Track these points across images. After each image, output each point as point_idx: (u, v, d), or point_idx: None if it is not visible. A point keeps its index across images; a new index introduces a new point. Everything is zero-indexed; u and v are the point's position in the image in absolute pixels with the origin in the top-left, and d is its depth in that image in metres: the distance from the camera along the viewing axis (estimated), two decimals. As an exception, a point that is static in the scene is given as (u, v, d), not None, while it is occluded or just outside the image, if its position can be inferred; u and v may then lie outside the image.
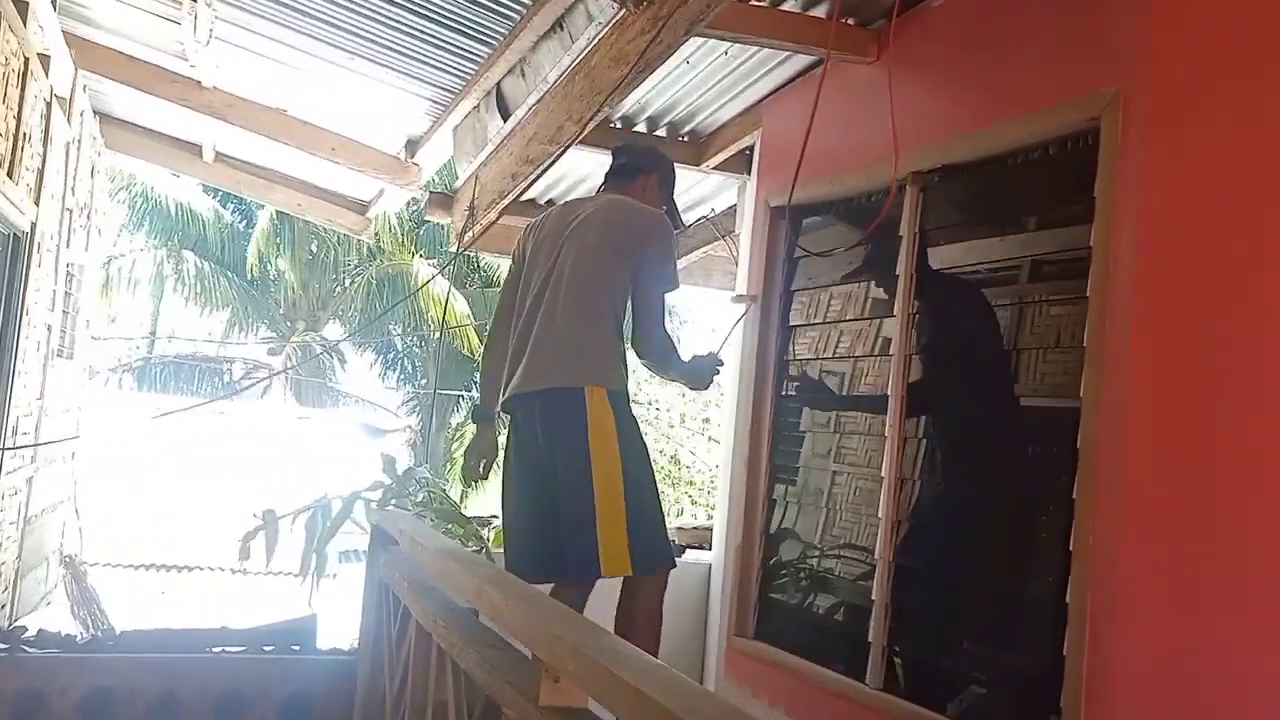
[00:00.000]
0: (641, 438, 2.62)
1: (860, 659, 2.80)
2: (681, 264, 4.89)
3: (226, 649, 3.64)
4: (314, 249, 16.45)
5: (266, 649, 3.70)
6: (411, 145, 5.29)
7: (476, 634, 2.24)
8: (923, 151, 2.81)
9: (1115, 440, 2.15)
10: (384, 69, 4.53)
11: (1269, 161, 1.98)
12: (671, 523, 9.73)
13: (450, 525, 3.49)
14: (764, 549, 3.35)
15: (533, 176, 3.66)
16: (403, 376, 17.31)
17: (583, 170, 4.44)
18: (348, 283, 15.72)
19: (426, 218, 4.93)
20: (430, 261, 14.09)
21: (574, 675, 1.72)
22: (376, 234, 13.30)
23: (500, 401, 2.71)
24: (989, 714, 2.44)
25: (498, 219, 3.98)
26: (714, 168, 3.98)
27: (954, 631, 2.65)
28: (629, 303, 2.62)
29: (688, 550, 5.69)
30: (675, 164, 3.00)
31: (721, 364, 2.89)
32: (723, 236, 4.39)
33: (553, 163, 3.48)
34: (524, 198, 4.75)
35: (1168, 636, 2.03)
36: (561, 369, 2.56)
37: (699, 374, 2.81)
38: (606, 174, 2.90)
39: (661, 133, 3.99)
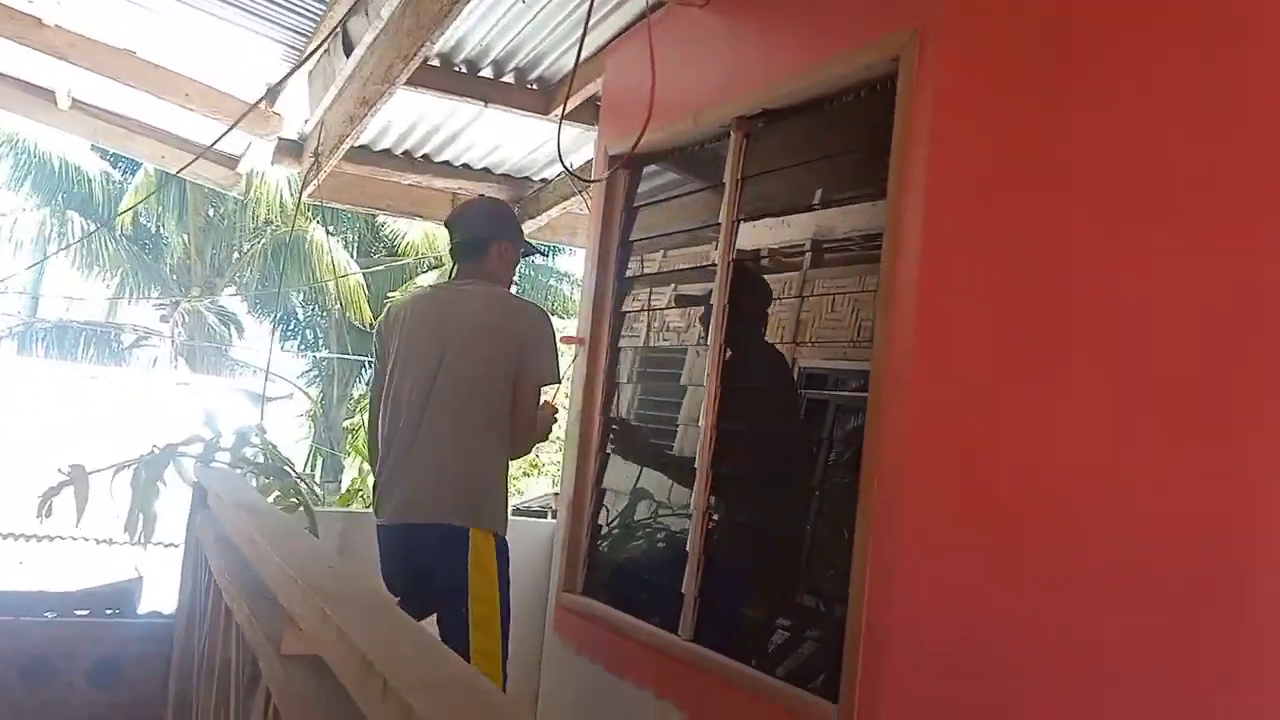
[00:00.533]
0: (508, 573, 2.68)
1: (674, 611, 2.76)
2: (543, 220, 4.81)
3: (45, 614, 3.48)
4: (210, 213, 15.91)
5: (80, 613, 3.55)
6: (272, 93, 5.06)
7: (254, 588, 2.15)
8: (746, 96, 2.75)
9: (899, 395, 2.12)
10: (234, 9, 4.32)
11: (1069, 107, 1.94)
12: (551, 489, 9.65)
13: (274, 480, 3.35)
14: (595, 503, 3.28)
15: (368, 119, 3.52)
16: (303, 346, 16.90)
17: (435, 118, 4.29)
18: (245, 248, 15.24)
19: (273, 164, 4.73)
20: (329, 228, 13.72)
21: (304, 620, 1.63)
22: (277, 201, 12.92)
23: (379, 523, 2.74)
24: (788, 660, 2.42)
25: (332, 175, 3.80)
26: (563, 117, 3.87)
27: (759, 581, 2.62)
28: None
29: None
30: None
31: (557, 411, 2.94)
32: (580, 191, 4.29)
33: (384, 103, 3.34)
34: (379, 148, 4.60)
35: (946, 584, 2.01)
36: (449, 504, 2.57)
37: (543, 432, 2.86)
38: (454, 253, 2.86)
39: (509, 79, 3.86)
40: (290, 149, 4.55)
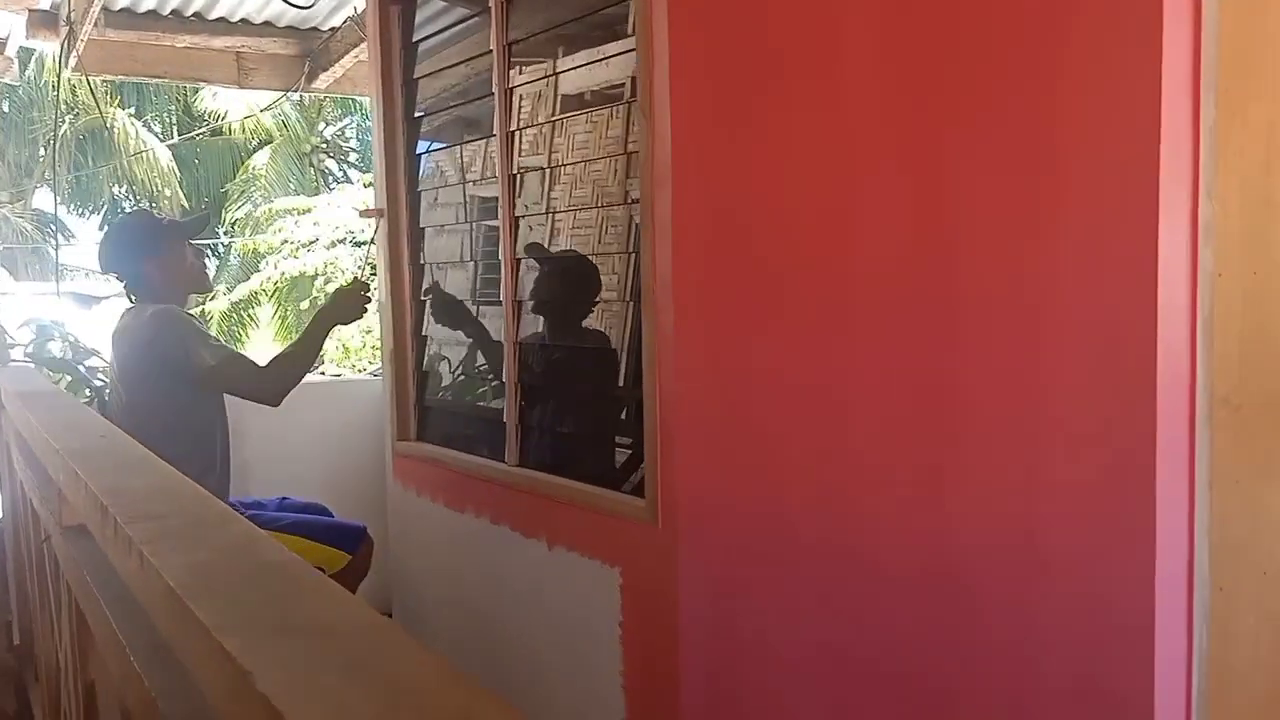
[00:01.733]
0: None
1: (500, 440, 2.84)
2: (337, 72, 4.59)
3: None
4: (5, 109, 14.59)
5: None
6: (18, -38, 4.60)
7: (41, 471, 2.11)
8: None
9: (663, 194, 2.16)
10: None
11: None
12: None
13: (65, 376, 3.24)
14: (418, 351, 3.29)
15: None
16: (138, 242, 15.92)
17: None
18: (47, 146, 14.07)
19: (28, 39, 4.34)
20: (129, 110, 12.74)
21: (66, 487, 1.62)
22: (74, 86, 11.89)
23: None
24: (602, 467, 2.53)
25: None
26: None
27: (568, 399, 2.71)
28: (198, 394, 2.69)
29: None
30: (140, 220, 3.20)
31: (367, 286, 2.86)
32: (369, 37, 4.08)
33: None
34: (143, 9, 4.26)
35: (719, 366, 2.11)
36: None
37: (347, 312, 2.80)
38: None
39: (265, -81, 3.59)
40: (44, 20, 4.16)
